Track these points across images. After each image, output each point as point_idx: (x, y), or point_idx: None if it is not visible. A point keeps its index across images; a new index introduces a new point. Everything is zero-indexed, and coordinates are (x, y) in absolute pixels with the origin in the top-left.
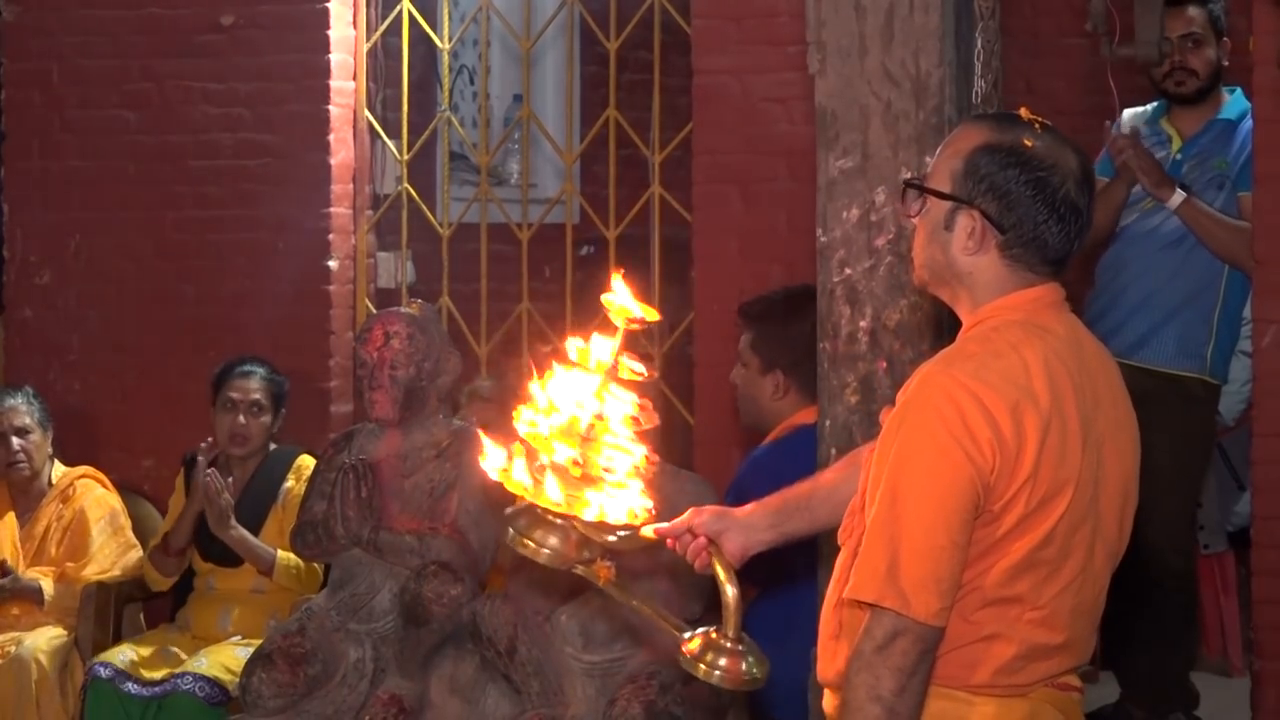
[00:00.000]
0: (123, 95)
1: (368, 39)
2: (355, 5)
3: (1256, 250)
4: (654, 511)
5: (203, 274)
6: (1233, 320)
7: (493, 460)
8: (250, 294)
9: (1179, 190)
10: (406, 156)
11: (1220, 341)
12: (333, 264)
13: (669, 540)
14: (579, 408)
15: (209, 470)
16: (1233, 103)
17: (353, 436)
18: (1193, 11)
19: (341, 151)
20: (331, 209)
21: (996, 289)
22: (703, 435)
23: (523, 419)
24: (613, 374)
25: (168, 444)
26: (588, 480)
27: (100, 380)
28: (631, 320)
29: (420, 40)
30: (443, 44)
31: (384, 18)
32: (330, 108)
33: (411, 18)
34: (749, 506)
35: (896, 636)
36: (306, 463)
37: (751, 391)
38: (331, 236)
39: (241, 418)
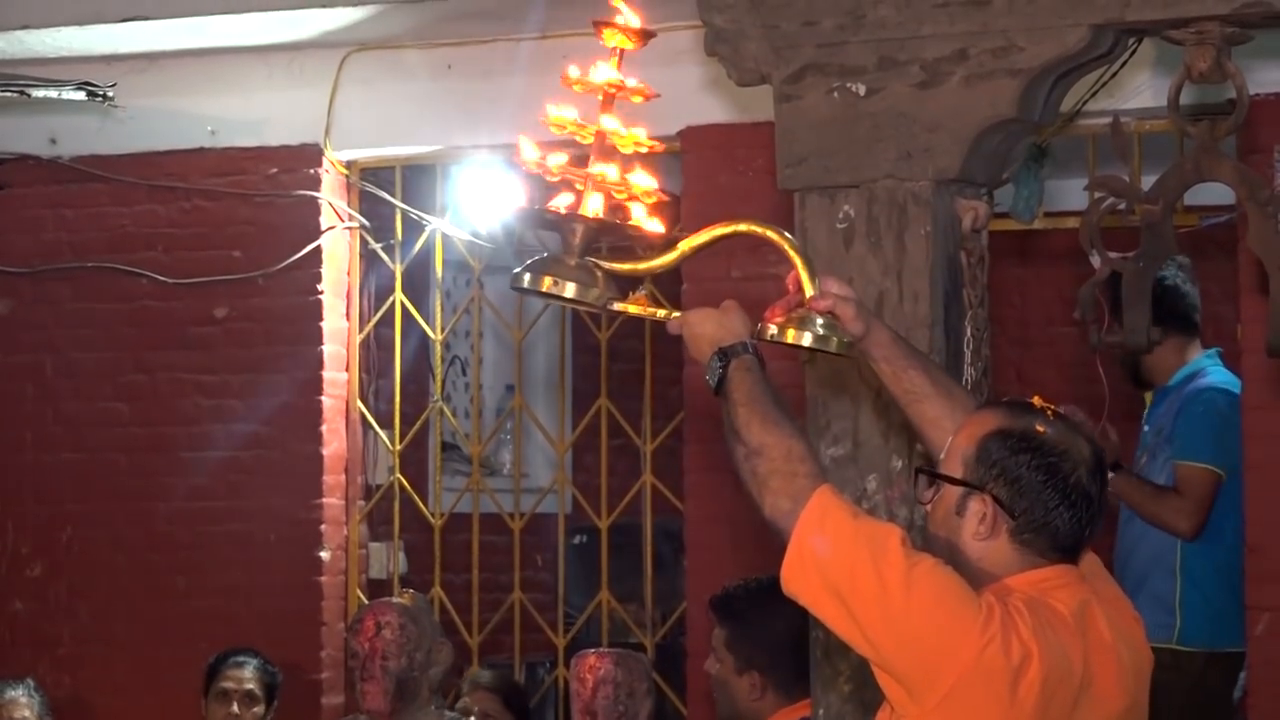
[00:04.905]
0: (116, 388)
1: (360, 330)
2: (348, 297)
3: (1249, 537)
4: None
5: (194, 566)
6: (1200, 585)
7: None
8: (242, 586)
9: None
10: (399, 447)
11: (1187, 606)
12: (324, 555)
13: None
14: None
15: None
16: (1185, 369)
17: None
18: None
19: (334, 442)
20: (323, 500)
21: (1004, 572)
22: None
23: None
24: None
25: None
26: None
27: (91, 674)
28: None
29: (413, 331)
30: (435, 335)
31: (377, 309)
32: (323, 399)
33: (404, 309)
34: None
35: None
36: None
37: (728, 689)
38: (323, 527)
39: (235, 707)
